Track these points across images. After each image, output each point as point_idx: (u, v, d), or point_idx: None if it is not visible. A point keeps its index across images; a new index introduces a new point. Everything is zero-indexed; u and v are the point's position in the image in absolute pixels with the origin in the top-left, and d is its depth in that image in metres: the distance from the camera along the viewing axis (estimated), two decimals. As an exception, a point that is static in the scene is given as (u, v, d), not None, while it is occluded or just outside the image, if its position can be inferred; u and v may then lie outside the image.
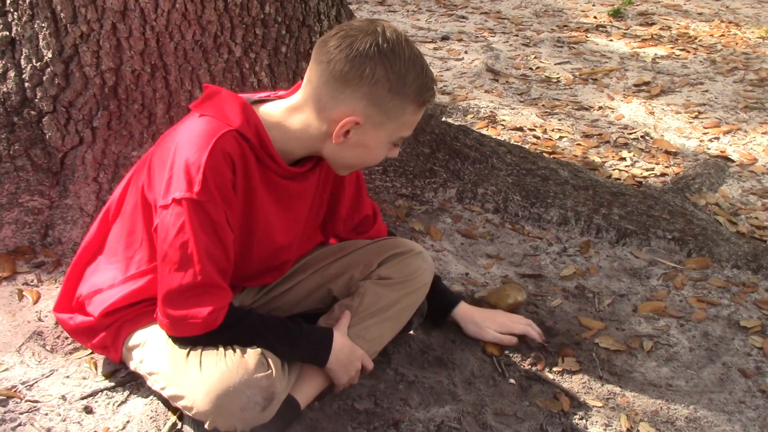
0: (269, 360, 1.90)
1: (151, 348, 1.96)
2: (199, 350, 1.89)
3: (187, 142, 1.85)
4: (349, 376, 2.09)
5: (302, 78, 1.95)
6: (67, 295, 2.12)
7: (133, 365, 2.03)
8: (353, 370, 2.10)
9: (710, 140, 4.15)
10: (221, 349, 1.89)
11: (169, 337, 1.93)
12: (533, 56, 5.40)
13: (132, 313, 2.01)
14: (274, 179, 1.96)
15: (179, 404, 1.90)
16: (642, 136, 4.14)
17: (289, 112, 1.93)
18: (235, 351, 1.89)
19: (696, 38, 5.97)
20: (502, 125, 4.19)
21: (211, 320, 1.86)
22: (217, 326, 1.87)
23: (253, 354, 1.88)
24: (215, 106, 1.90)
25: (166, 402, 2.05)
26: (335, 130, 1.88)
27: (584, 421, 2.14)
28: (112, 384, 2.12)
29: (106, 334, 2.03)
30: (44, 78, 2.60)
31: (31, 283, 2.49)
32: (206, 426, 1.85)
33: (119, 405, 2.07)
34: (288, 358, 2.00)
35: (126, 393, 2.10)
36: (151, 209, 1.92)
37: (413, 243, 2.32)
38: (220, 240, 1.86)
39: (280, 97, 2.00)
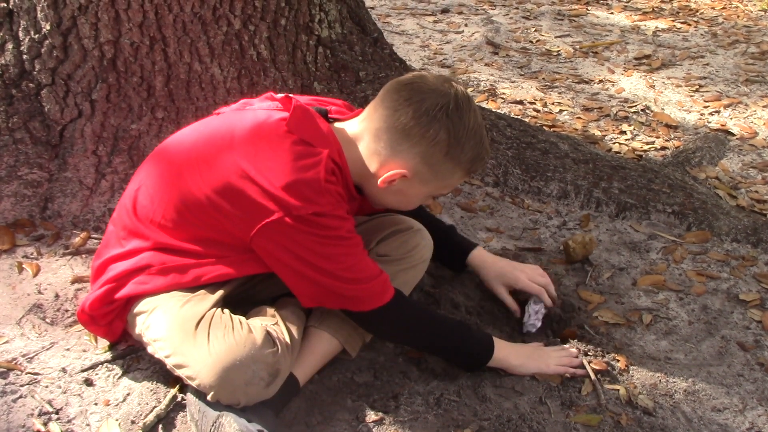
0: (276, 337, 1.91)
1: (159, 315, 1.96)
2: (208, 322, 1.90)
3: (286, 162, 1.87)
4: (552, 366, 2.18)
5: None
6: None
7: (137, 330, 2.03)
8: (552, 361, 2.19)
9: (711, 114, 4.14)
10: (230, 323, 1.90)
11: (360, 315, 1.98)
12: (533, 29, 5.37)
13: (142, 277, 2.01)
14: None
15: (182, 373, 1.90)
16: (642, 110, 4.13)
17: (351, 139, 2.00)
18: (242, 326, 1.90)
19: (697, 11, 5.94)
20: (502, 98, 4.18)
21: (387, 285, 1.97)
22: (391, 296, 1.97)
23: (260, 330, 1.89)
24: (307, 129, 1.93)
25: (166, 374, 2.06)
26: (383, 176, 1.96)
27: (583, 393, 2.14)
28: (112, 357, 2.13)
29: (116, 303, 2.02)
30: (42, 50, 2.58)
31: (31, 256, 2.49)
32: (209, 398, 1.86)
33: (119, 377, 2.07)
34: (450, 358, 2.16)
35: (126, 366, 2.10)
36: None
37: (412, 220, 2.31)
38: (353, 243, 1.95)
39: (339, 113, 2.07)
